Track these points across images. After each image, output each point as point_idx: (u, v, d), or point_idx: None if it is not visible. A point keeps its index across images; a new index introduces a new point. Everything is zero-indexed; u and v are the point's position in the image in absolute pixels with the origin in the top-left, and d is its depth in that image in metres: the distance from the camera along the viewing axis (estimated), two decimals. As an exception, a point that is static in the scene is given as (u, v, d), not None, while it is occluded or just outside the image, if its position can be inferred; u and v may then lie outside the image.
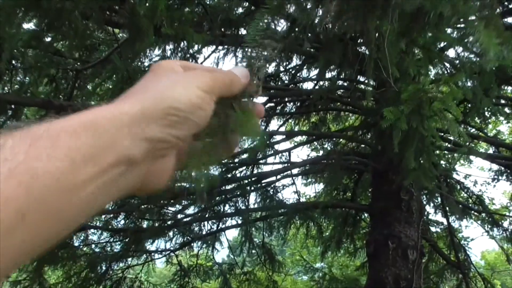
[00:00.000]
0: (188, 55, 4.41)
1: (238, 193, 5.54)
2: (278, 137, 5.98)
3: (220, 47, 5.19)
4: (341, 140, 6.58)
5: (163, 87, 0.46)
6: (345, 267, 8.97)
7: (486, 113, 5.30)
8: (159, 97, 0.44)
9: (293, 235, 7.58)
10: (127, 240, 5.41)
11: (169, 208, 5.60)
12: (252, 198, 6.24)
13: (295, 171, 6.19)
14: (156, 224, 5.31)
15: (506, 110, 5.41)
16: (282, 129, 6.79)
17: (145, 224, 5.75)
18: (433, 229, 6.63)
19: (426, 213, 6.01)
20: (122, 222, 5.76)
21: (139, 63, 4.04)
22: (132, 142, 0.40)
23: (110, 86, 3.74)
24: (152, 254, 6.19)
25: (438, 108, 1.69)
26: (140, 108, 0.42)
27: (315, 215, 6.16)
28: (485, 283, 5.97)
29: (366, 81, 4.41)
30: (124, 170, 0.40)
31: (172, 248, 6.19)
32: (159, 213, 5.39)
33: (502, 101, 4.72)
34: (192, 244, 6.47)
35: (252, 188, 5.67)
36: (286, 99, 6.00)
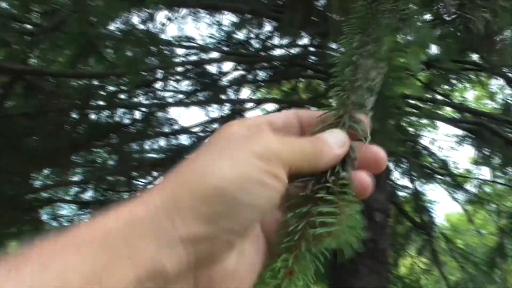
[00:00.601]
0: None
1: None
2: (249, 106, 5.94)
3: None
4: (312, 108, 6.60)
5: (207, 160, 0.34)
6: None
7: (452, 80, 5.42)
8: (197, 176, 0.33)
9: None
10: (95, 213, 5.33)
11: (140, 180, 5.54)
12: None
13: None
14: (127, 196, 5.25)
15: (472, 76, 5.55)
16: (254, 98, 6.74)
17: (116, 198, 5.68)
18: (400, 193, 6.84)
19: (393, 177, 6.18)
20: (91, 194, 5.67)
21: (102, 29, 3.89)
22: (159, 249, 0.29)
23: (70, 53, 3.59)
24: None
25: (400, 65, 1.70)
26: (169, 196, 0.32)
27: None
28: (448, 243, 6.27)
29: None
30: None
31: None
32: (129, 185, 5.32)
33: (468, 67, 4.80)
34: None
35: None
36: (257, 67, 5.93)
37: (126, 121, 4.24)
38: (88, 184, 4.49)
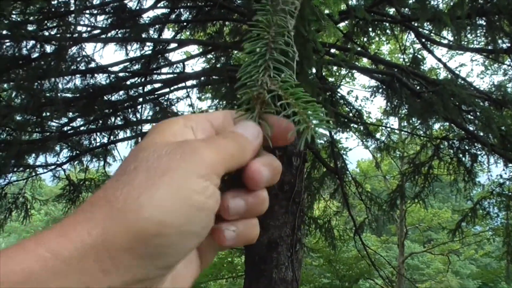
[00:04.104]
0: None
1: (129, 104, 5.32)
2: (171, 47, 5.73)
3: None
4: (237, 53, 6.54)
5: (141, 187, 0.29)
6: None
7: (370, 32, 5.66)
8: (133, 208, 0.28)
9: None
10: (4, 154, 4.97)
11: (54, 120, 5.21)
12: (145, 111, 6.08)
13: (189, 83, 6.09)
14: (38, 137, 4.94)
15: (388, 31, 5.83)
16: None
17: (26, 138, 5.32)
18: (317, 140, 7.20)
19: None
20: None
21: None
22: None
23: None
24: (36, 169, 5.83)
25: (317, 4, 1.74)
26: (101, 233, 0.27)
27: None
28: (358, 187, 6.80)
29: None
30: None
31: (58, 163, 5.88)
32: (40, 125, 4.98)
33: (383, 19, 5.02)
34: (82, 158, 6.21)
35: (144, 99, 5.48)
36: (181, 6, 5.68)
37: (35, 55, 3.88)
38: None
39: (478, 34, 4.35)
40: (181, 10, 5.83)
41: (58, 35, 4.02)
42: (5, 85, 4.10)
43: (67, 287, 0.26)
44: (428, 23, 4.45)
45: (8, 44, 3.59)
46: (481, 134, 4.38)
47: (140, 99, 5.40)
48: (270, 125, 0.40)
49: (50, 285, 0.25)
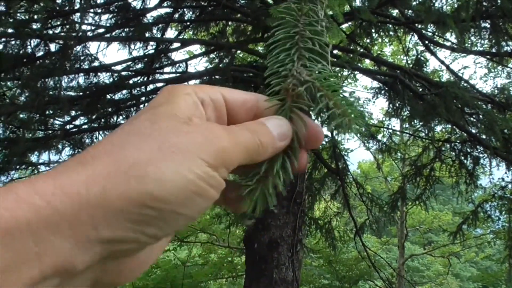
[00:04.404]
0: None
1: (132, 103, 5.33)
2: (174, 46, 5.74)
3: None
4: (240, 53, 6.56)
5: (147, 156, 0.29)
6: (237, 176, 9.45)
7: (373, 34, 5.67)
8: (135, 175, 0.28)
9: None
10: (7, 151, 4.99)
11: (57, 118, 5.23)
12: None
13: (192, 83, 6.10)
14: (40, 135, 4.95)
15: (391, 33, 5.83)
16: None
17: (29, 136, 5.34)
18: (319, 141, 7.19)
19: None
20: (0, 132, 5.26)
21: None
22: (74, 249, 0.27)
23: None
24: (38, 166, 5.84)
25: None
26: (98, 192, 0.27)
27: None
28: (358, 188, 6.79)
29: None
30: (58, 283, 0.27)
31: (61, 160, 5.90)
32: (43, 123, 5.00)
33: (387, 20, 5.02)
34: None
35: (147, 98, 5.49)
36: (184, 5, 5.69)
37: (40, 53, 3.89)
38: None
39: (482, 37, 4.35)
40: (185, 9, 5.84)
41: (63, 34, 4.03)
42: (9, 83, 4.10)
43: (59, 238, 0.26)
44: (431, 25, 4.45)
45: (13, 42, 3.60)
46: (484, 137, 4.38)
47: (143, 98, 5.41)
48: (305, 124, 0.38)
49: (45, 234, 0.26)
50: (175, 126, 0.31)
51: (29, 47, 3.81)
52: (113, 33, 4.59)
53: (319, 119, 0.39)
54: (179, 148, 0.30)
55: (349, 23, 5.07)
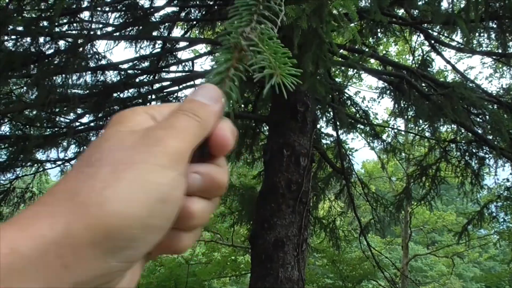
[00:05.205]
0: None
1: (139, 101, 5.35)
2: (181, 45, 5.76)
3: None
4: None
5: (104, 179, 0.28)
6: (243, 176, 9.49)
7: (379, 34, 5.66)
8: (96, 203, 0.27)
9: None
10: (13, 149, 5.02)
11: (64, 116, 5.25)
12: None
13: (198, 82, 6.11)
14: (47, 132, 4.97)
15: (397, 33, 5.83)
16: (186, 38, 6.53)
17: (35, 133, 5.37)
18: (323, 141, 7.21)
19: (318, 126, 6.46)
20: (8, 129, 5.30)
21: None
22: None
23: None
24: (44, 164, 5.87)
25: (336, 6, 1.76)
26: (63, 229, 0.26)
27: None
28: (363, 187, 6.80)
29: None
30: None
31: (67, 158, 5.92)
32: (50, 120, 5.02)
33: (394, 21, 5.02)
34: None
35: (154, 96, 5.51)
36: (191, 4, 5.70)
37: (49, 51, 3.92)
38: (4, 118, 4.16)
39: (489, 37, 4.34)
40: (191, 8, 5.86)
41: (73, 32, 4.05)
42: (17, 81, 4.12)
43: (27, 284, 0.25)
44: (437, 25, 4.45)
45: (23, 40, 3.62)
46: (490, 137, 4.38)
47: (149, 97, 5.43)
48: (237, 93, 0.41)
49: (10, 282, 0.24)
50: (119, 143, 0.31)
51: (37, 45, 3.83)
52: (121, 32, 4.61)
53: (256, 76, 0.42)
54: (129, 163, 0.29)
55: (354, 23, 5.06)
